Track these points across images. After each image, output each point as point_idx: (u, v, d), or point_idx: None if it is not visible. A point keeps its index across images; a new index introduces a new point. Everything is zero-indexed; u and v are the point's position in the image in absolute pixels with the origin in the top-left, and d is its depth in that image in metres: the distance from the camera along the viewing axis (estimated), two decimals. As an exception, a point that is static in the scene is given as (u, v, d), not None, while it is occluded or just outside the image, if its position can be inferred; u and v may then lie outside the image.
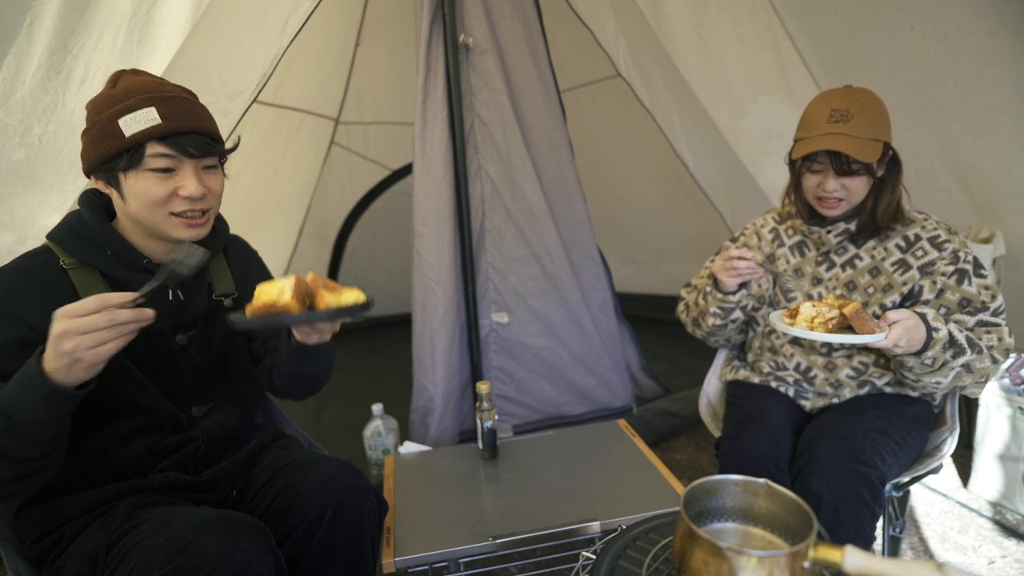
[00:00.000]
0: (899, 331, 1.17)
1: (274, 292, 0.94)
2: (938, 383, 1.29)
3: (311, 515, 1.07)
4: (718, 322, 1.54)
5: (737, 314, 1.53)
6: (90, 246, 1.03)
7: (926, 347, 1.21)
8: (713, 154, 2.55)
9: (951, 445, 1.40)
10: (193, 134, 1.01)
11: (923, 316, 1.21)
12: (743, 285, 1.47)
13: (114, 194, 1.03)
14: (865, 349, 1.39)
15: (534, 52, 2.00)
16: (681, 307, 1.71)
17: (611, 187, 3.46)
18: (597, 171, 3.20)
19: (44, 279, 1.00)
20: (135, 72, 1.06)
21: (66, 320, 0.82)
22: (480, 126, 1.95)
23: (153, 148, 0.98)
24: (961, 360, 1.24)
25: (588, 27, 2.06)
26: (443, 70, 1.85)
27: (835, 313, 1.21)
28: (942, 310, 1.32)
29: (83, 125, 1.02)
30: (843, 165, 1.31)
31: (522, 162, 2.00)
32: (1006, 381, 1.87)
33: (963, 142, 2.07)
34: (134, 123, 0.96)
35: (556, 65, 2.08)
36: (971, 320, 1.29)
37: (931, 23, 1.91)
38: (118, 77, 1.04)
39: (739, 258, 1.37)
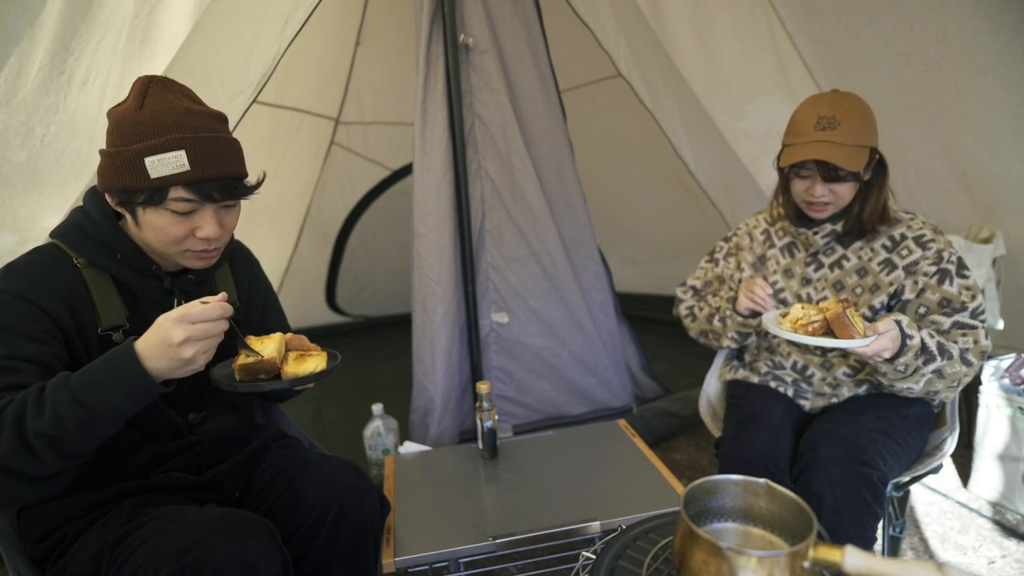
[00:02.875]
0: (885, 341, 1.18)
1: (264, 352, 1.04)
2: (910, 389, 1.30)
3: (314, 515, 1.08)
4: (734, 346, 1.58)
5: (752, 339, 1.57)
6: (99, 248, 1.02)
7: (899, 354, 1.22)
8: (713, 154, 2.55)
9: (951, 445, 1.40)
10: (219, 179, 0.98)
11: (898, 323, 1.23)
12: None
13: (127, 216, 1.00)
14: None
15: (534, 52, 2.00)
16: (684, 311, 1.71)
17: (611, 187, 3.46)
18: (597, 171, 3.20)
19: (61, 275, 0.99)
20: (165, 86, 0.98)
21: (187, 326, 0.83)
22: (480, 126, 1.96)
23: (177, 192, 0.95)
24: (932, 367, 1.25)
25: (588, 27, 2.06)
26: (443, 70, 1.86)
27: (819, 318, 1.22)
28: (921, 309, 1.33)
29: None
30: (830, 172, 1.32)
31: (522, 162, 2.00)
32: (1006, 381, 1.87)
33: (963, 142, 2.07)
34: (161, 166, 0.93)
35: (556, 65, 2.08)
36: (947, 321, 1.30)
37: (931, 23, 1.91)
38: (146, 90, 0.96)
39: (759, 286, 1.43)
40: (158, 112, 0.94)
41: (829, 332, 1.21)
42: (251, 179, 1.06)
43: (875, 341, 1.17)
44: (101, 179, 0.98)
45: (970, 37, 1.85)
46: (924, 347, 1.24)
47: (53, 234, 1.04)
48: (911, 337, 1.22)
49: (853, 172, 1.31)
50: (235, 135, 1.07)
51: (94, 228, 1.02)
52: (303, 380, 1.03)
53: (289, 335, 1.10)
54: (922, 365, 1.25)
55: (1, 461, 0.80)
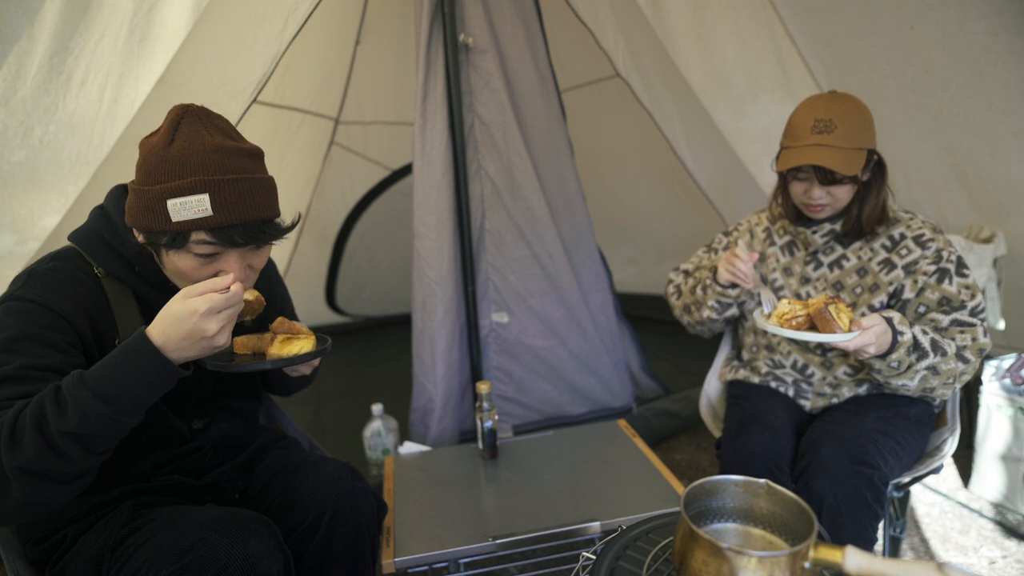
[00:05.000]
0: (869, 336, 1.18)
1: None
2: (905, 386, 1.30)
3: (309, 517, 1.07)
4: (713, 315, 1.55)
5: (733, 311, 1.55)
6: (118, 259, 1.00)
7: (891, 350, 1.23)
8: (713, 154, 2.55)
9: (952, 445, 1.40)
10: (244, 224, 0.93)
11: (889, 320, 1.23)
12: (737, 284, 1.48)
13: (153, 253, 0.98)
14: None
15: (534, 52, 2.00)
16: (671, 289, 1.71)
17: (611, 187, 3.46)
18: (597, 171, 3.20)
19: (83, 284, 0.96)
20: (199, 119, 0.93)
21: (207, 299, 0.82)
22: (480, 126, 1.96)
23: (199, 236, 0.91)
24: (925, 363, 1.26)
25: (588, 27, 2.06)
26: (443, 70, 1.85)
27: (803, 313, 1.23)
28: (921, 308, 1.34)
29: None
30: (827, 176, 1.32)
31: (522, 162, 2.00)
32: (1007, 381, 1.87)
33: (963, 142, 2.07)
34: (183, 210, 0.89)
35: (556, 65, 2.08)
36: (946, 319, 1.30)
37: (931, 23, 1.91)
38: (178, 123, 0.92)
39: (740, 260, 1.39)
40: (185, 150, 0.90)
41: (814, 327, 1.22)
42: (285, 218, 1.02)
43: (858, 336, 1.18)
44: (128, 215, 0.96)
45: (970, 37, 1.85)
46: (916, 343, 1.24)
47: (72, 237, 1.02)
48: (902, 333, 1.23)
49: (850, 176, 1.31)
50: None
51: (115, 239, 1.00)
52: (287, 361, 1.02)
53: (280, 319, 1.08)
54: (915, 361, 1.25)
55: (30, 465, 0.79)
